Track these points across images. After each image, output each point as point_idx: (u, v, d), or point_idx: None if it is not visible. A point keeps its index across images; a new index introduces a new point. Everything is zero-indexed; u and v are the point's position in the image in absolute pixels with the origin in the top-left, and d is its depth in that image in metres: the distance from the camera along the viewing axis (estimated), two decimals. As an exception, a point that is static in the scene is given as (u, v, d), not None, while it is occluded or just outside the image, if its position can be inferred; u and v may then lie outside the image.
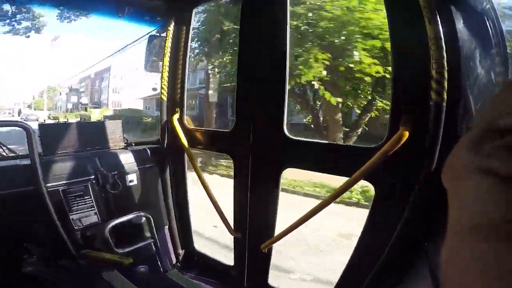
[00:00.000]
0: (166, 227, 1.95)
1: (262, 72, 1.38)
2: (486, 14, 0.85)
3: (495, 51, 0.83)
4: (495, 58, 0.84)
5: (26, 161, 1.42)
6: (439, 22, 0.84)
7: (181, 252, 1.98)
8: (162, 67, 1.74)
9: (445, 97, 0.85)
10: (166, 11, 1.75)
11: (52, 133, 1.60)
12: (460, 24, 0.84)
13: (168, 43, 1.72)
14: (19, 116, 28.20)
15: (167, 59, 1.74)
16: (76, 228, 1.56)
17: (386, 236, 1.10)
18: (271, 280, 1.60)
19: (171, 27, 1.72)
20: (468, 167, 0.21)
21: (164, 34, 1.76)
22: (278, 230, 1.47)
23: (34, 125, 1.52)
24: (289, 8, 1.32)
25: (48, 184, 1.43)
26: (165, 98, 1.77)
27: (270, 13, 1.34)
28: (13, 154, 1.64)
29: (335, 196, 1.20)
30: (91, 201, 1.60)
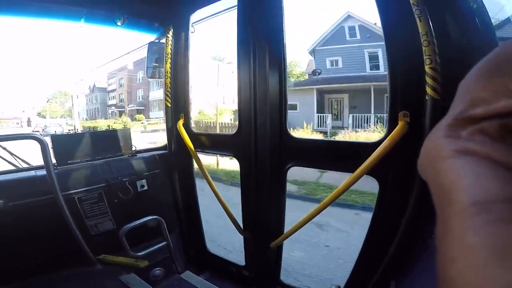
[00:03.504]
0: (178, 230, 2.00)
1: (261, 73, 1.40)
2: (473, 8, 0.85)
3: (485, 45, 0.84)
4: (485, 51, 0.84)
5: (42, 172, 1.48)
6: (429, 19, 0.86)
7: (194, 254, 2.03)
8: (165, 73, 1.78)
9: (441, 91, 0.86)
10: (164, 18, 1.77)
11: (64, 144, 1.66)
12: (449, 20, 0.85)
13: (169, 50, 1.75)
14: (28, 126, 24.15)
15: (168, 65, 1.77)
16: (92, 233, 1.63)
17: (392, 229, 1.11)
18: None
19: (170, 34, 1.75)
20: (448, 151, 0.21)
21: (164, 41, 1.79)
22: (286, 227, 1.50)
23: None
24: (285, 8, 1.33)
25: (64, 193, 1.49)
26: (169, 104, 1.81)
27: (267, 15, 1.36)
28: (27, 166, 1.71)
29: (340, 192, 1.21)
30: (105, 207, 1.67)
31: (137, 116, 22.05)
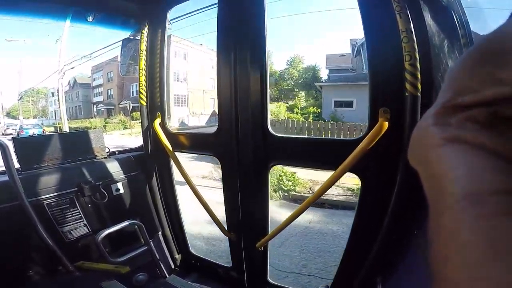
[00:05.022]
0: (160, 233, 1.94)
1: (242, 72, 1.36)
2: (452, 7, 0.87)
3: (462, 41, 0.85)
4: (462, 49, 0.85)
5: (4, 178, 1.36)
6: (409, 16, 0.87)
7: (178, 257, 1.97)
8: (139, 71, 1.69)
9: (420, 87, 0.86)
10: (139, 14, 1.69)
11: (28, 147, 1.54)
12: (428, 17, 0.87)
13: (143, 47, 1.67)
14: None
15: (143, 62, 1.68)
16: (67, 240, 1.53)
17: (376, 226, 1.12)
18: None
19: (146, 30, 1.67)
20: (437, 139, 0.20)
21: (138, 37, 1.70)
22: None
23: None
24: (266, 9, 1.30)
25: (31, 199, 1.39)
26: (144, 103, 1.73)
27: (247, 14, 1.32)
28: None
29: (324, 189, 1.21)
30: (78, 213, 1.57)
31: (134, 114, 19.80)
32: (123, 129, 18.29)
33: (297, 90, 20.98)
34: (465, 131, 0.19)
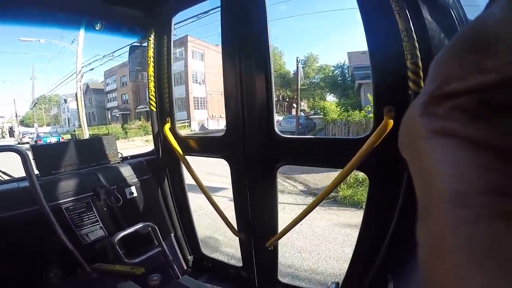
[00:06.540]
0: (172, 234, 1.98)
1: (247, 74, 1.39)
2: (450, 5, 0.87)
3: None
4: None
5: (24, 183, 1.43)
6: (408, 15, 0.87)
7: (190, 258, 2.01)
8: (148, 77, 1.74)
9: (422, 85, 0.86)
10: (145, 21, 1.73)
11: (46, 154, 1.61)
12: (427, 16, 0.88)
13: (151, 53, 1.71)
14: (11, 136, 21.76)
15: (151, 69, 1.73)
16: (84, 243, 1.58)
17: (385, 222, 1.12)
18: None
19: (152, 37, 1.71)
20: (424, 131, 0.20)
21: (145, 44, 1.75)
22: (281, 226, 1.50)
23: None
24: (268, 10, 1.32)
25: (50, 204, 1.44)
26: (154, 109, 1.78)
27: (250, 16, 1.34)
28: (9, 178, 1.65)
29: (332, 187, 1.21)
30: (95, 216, 1.63)
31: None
32: (145, 135, 17.88)
33: (313, 89, 20.85)
34: (453, 122, 0.19)
